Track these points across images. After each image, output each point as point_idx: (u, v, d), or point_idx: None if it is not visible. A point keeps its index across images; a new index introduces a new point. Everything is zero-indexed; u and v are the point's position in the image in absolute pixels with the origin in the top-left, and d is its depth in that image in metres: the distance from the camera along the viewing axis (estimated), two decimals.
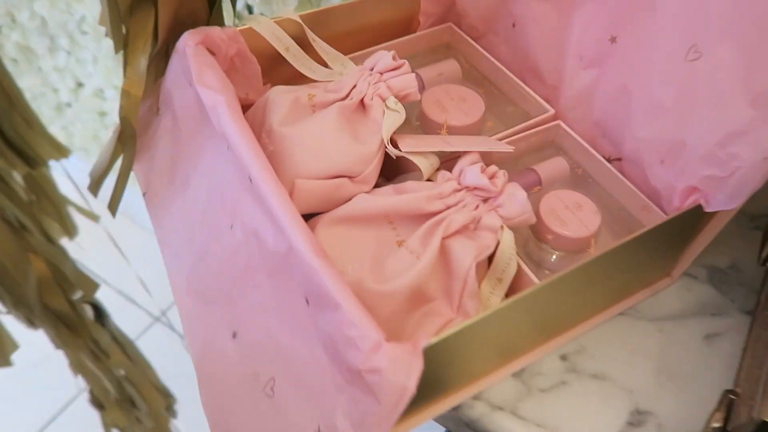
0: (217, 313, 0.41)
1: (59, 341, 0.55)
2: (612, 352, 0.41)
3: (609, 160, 0.46)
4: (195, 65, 0.42)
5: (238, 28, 0.48)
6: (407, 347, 0.29)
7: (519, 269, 0.38)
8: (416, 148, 0.41)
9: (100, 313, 0.59)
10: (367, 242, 0.40)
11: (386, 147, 0.42)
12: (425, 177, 0.41)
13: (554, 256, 0.42)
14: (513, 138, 0.47)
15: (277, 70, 0.52)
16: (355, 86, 0.44)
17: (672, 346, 0.41)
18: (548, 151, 0.49)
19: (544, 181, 0.45)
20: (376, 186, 0.43)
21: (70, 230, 0.59)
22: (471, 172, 0.39)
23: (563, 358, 0.40)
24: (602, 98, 0.46)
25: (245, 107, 0.48)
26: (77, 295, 0.52)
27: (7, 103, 0.52)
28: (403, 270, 0.37)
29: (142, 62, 0.44)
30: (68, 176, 0.70)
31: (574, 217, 0.42)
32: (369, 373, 0.29)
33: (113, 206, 0.52)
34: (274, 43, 0.48)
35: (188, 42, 0.44)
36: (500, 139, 0.47)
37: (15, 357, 0.52)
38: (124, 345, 0.63)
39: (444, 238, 0.38)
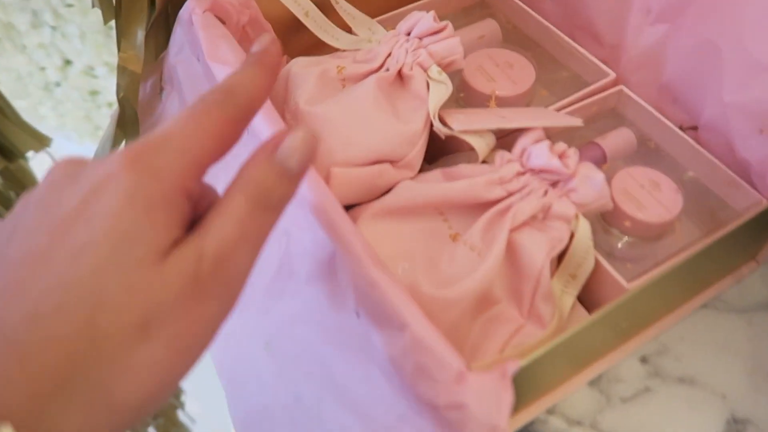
0: (249, 323, 0.36)
1: None
2: (698, 350, 0.36)
3: (682, 129, 0.40)
4: (205, 37, 0.36)
5: None
6: (495, 376, 0.24)
7: (597, 263, 0.33)
8: (470, 126, 0.35)
9: None
10: (417, 237, 0.35)
11: (434, 125, 0.36)
12: (481, 158, 0.35)
13: (622, 242, 0.37)
14: (570, 108, 0.41)
15: (294, 38, 0.46)
16: (390, 54, 0.38)
17: (764, 340, 0.36)
18: (608, 121, 0.43)
19: (609, 158, 0.39)
20: (421, 171, 0.38)
21: (44, 140, 0.54)
22: (538, 151, 0.33)
23: (644, 360, 0.35)
24: (675, 57, 0.40)
25: None
26: None
27: None
28: (464, 270, 0.32)
29: (139, 33, 0.38)
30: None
31: (651, 198, 0.36)
32: (450, 409, 0.24)
33: None
34: (292, 7, 0.41)
35: (195, 9, 0.38)
36: (557, 111, 0.41)
37: None
38: None
39: (510, 231, 0.32)
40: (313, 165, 0.34)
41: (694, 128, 0.40)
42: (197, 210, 0.20)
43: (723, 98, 0.36)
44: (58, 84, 1.31)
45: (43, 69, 1.28)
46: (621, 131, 0.40)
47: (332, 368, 0.31)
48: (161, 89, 0.43)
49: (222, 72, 0.35)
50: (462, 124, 0.35)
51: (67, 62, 1.23)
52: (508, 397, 0.24)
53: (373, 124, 0.35)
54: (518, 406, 0.32)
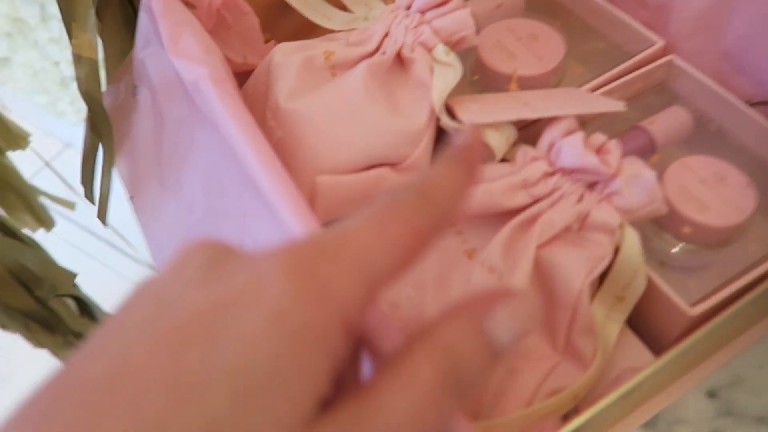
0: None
1: (35, 341, 0.47)
2: None
3: (751, 105, 0.33)
4: (166, 27, 0.31)
5: None
6: None
7: (650, 283, 0.27)
8: (485, 118, 0.28)
9: (84, 304, 0.51)
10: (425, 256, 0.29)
11: (440, 119, 0.29)
12: (498, 157, 0.29)
13: (679, 249, 0.30)
14: (609, 87, 0.34)
15: (281, 21, 0.40)
16: (387, 34, 0.32)
17: None
18: (656, 99, 0.36)
19: (660, 146, 0.32)
20: None
21: (46, 222, 0.50)
22: (569, 146, 0.27)
23: (711, 395, 0.29)
24: (739, 17, 0.32)
25: (244, 75, 0.37)
26: (47, 289, 0.44)
27: None
28: None
29: (90, 15, 0.33)
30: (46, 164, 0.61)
31: (716, 195, 0.29)
32: None
33: (101, 213, 0.42)
34: None
35: None
36: (592, 90, 0.34)
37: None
38: None
39: (538, 248, 0.26)
40: (295, 175, 0.29)
41: (766, 103, 0.32)
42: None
43: None
44: (73, 78, 1.29)
45: (56, 63, 1.26)
46: (673, 111, 0.33)
47: None
48: (134, 87, 0.38)
49: (185, 67, 0.29)
50: (474, 115, 0.29)
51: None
52: None
53: (366, 120, 0.29)
54: None
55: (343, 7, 0.37)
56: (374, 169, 0.30)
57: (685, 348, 0.23)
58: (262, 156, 0.26)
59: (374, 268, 0.13)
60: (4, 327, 0.44)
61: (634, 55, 0.35)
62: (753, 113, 0.32)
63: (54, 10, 1.09)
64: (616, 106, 0.29)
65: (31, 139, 0.51)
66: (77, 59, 0.34)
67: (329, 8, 0.37)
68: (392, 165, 0.30)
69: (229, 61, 0.37)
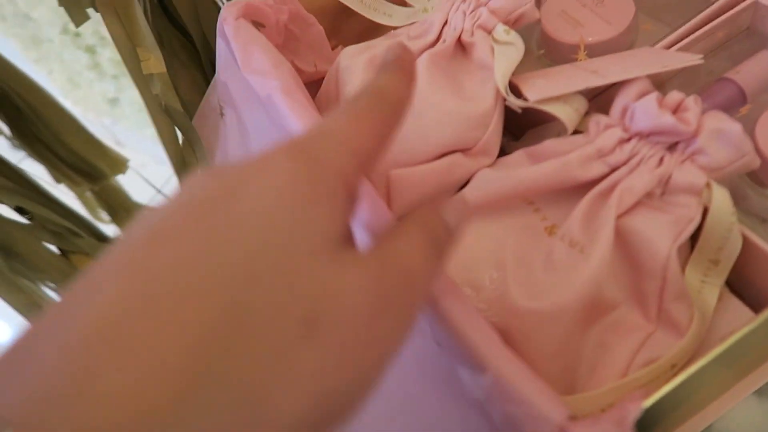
0: None
1: None
2: None
3: None
4: (238, 48, 0.33)
5: None
6: (608, 425, 0.18)
7: (746, 242, 0.25)
8: (551, 92, 0.28)
9: None
10: (505, 236, 0.29)
11: (505, 98, 0.29)
12: (570, 129, 0.29)
13: None
14: (689, 39, 0.32)
15: (345, 25, 0.42)
16: (446, 22, 0.32)
17: None
18: (743, 46, 0.33)
19: (750, 95, 0.30)
20: (501, 153, 0.32)
21: None
22: (643, 108, 0.26)
23: None
24: None
25: (318, 83, 0.38)
26: None
27: (63, 126, 0.47)
28: (564, 273, 0.26)
29: (146, 34, 0.36)
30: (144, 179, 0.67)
31: None
32: None
33: None
34: None
35: (226, 19, 0.34)
36: (669, 47, 0.32)
37: None
38: None
39: (619, 217, 0.25)
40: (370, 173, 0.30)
41: None
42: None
43: None
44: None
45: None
46: (761, 56, 0.31)
47: (424, 407, 0.26)
48: (221, 108, 0.41)
49: (258, 82, 0.31)
50: (540, 91, 0.28)
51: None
52: None
53: (433, 108, 0.30)
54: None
55: (403, 3, 0.38)
56: (446, 157, 0.30)
57: None
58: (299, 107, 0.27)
59: (358, 145, 0.17)
60: None
61: (713, 2, 0.33)
62: None
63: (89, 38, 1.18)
64: (693, 59, 0.27)
65: (143, 166, 0.57)
66: (150, 79, 0.37)
67: (388, 6, 0.38)
68: (463, 150, 0.31)
69: (300, 71, 0.39)
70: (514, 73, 0.30)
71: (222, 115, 0.41)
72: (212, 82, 0.40)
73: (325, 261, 0.14)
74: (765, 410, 0.26)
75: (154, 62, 0.36)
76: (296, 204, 0.15)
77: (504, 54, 0.30)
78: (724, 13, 0.32)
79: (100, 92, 1.39)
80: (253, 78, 0.32)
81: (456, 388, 0.24)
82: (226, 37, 0.34)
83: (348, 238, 0.16)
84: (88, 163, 0.50)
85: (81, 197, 0.52)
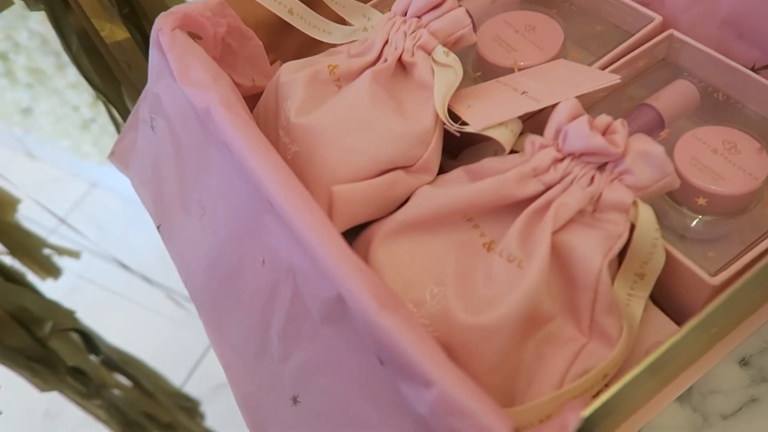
0: (267, 369, 0.31)
1: (39, 382, 0.50)
2: None
3: (754, 70, 0.33)
4: (174, 59, 0.32)
5: None
6: None
7: (669, 256, 0.27)
8: (493, 120, 0.29)
9: (89, 338, 0.54)
10: (445, 253, 0.29)
11: (444, 122, 0.30)
12: (507, 150, 0.30)
13: (697, 221, 0.30)
14: (612, 67, 0.34)
15: (285, 41, 0.41)
16: (387, 42, 0.33)
17: None
18: (661, 75, 0.36)
19: (667, 120, 0.32)
20: (439, 171, 0.32)
21: (52, 271, 0.54)
22: (575, 130, 0.27)
23: (744, 363, 0.29)
24: None
25: (254, 98, 0.38)
26: (48, 329, 0.47)
27: None
28: (503, 288, 0.26)
29: (104, 4, 0.34)
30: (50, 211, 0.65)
31: (729, 164, 0.29)
32: None
33: None
34: (272, 6, 0.37)
35: (162, 29, 0.33)
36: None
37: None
38: (125, 364, 0.58)
39: (554, 233, 0.26)
40: (311, 186, 0.30)
41: None
42: None
43: None
44: (93, 120, 1.32)
45: (76, 108, 1.30)
46: (677, 85, 0.33)
47: (367, 426, 0.26)
48: (152, 119, 0.40)
49: (196, 95, 0.31)
50: (479, 118, 0.29)
51: (97, 97, 1.24)
52: None
53: (375, 126, 0.30)
54: None
55: (342, 21, 0.38)
56: (388, 173, 0.31)
57: (707, 315, 0.23)
58: (276, 173, 0.27)
59: None
60: (9, 366, 0.47)
61: (633, 34, 0.35)
62: (758, 78, 0.32)
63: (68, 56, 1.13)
64: (611, 78, 0.29)
65: (57, 180, 0.54)
66: (115, 48, 0.35)
67: (328, 23, 0.38)
68: (405, 167, 0.31)
69: (238, 85, 0.38)
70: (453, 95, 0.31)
71: (153, 127, 0.39)
72: (143, 93, 0.39)
73: None
74: (686, 416, 0.28)
75: (117, 30, 0.34)
76: None
77: (443, 77, 0.30)
78: (643, 44, 0.35)
79: (12, 101, 1.31)
80: (191, 90, 0.31)
81: (399, 406, 0.24)
82: (161, 47, 0.33)
83: None
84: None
85: None
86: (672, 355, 0.24)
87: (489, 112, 0.30)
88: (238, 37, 0.37)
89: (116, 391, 0.63)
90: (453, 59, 0.31)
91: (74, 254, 0.64)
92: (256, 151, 0.28)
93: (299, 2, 0.38)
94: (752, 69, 0.33)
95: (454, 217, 0.30)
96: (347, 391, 0.27)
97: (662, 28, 0.35)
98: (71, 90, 1.24)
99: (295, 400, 0.30)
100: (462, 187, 0.29)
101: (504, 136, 0.29)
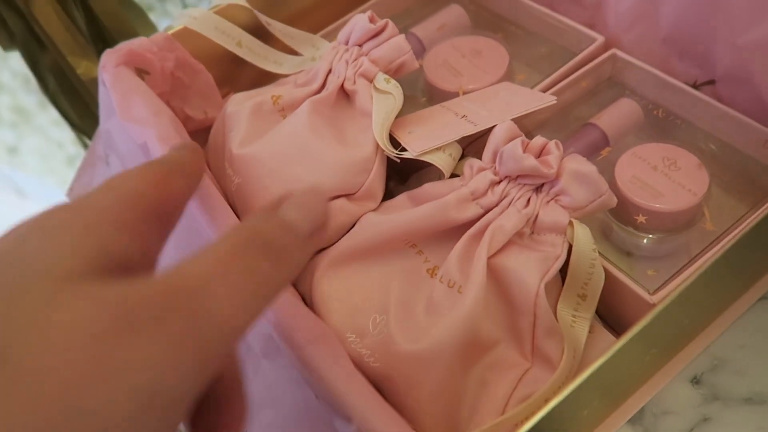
0: None
1: None
2: (764, 358, 0.29)
3: (695, 87, 0.33)
4: (116, 96, 0.32)
5: (171, 32, 0.37)
6: None
7: (608, 275, 0.27)
8: (429, 145, 0.29)
9: None
10: (389, 280, 0.29)
11: (383, 149, 0.30)
12: (447, 175, 0.30)
13: (641, 239, 0.30)
14: (558, 87, 0.34)
15: (238, 73, 0.42)
16: (330, 71, 0.33)
17: None
18: (606, 94, 0.36)
19: (611, 138, 0.33)
20: (390, 196, 0.32)
21: None
22: (509, 152, 0.27)
23: (695, 382, 0.28)
24: (672, 3, 0.33)
25: (208, 130, 0.38)
26: None
27: None
28: (442, 314, 0.26)
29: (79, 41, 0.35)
30: None
31: (669, 180, 0.29)
32: None
33: None
34: (220, 40, 0.37)
35: (105, 66, 0.34)
36: (540, 91, 0.34)
37: None
38: None
39: (490, 258, 0.26)
40: None
41: (711, 83, 0.32)
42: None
43: (735, 41, 0.29)
44: (78, 156, 1.33)
45: (61, 145, 1.31)
46: (620, 103, 0.34)
47: None
48: (107, 157, 0.40)
49: (135, 131, 0.31)
50: (419, 142, 0.29)
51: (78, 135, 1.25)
52: None
53: (315, 156, 0.30)
54: None
55: (293, 52, 0.38)
56: (331, 202, 0.30)
57: (639, 330, 0.23)
58: (207, 212, 0.26)
59: (126, 189, 0.17)
60: None
61: (577, 54, 0.35)
62: (698, 94, 0.32)
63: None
64: (549, 99, 0.29)
65: None
66: (92, 83, 0.36)
67: (279, 54, 0.38)
68: (347, 195, 0.31)
69: (190, 118, 0.39)
70: (396, 119, 0.31)
71: (108, 163, 0.39)
72: (97, 130, 0.39)
73: (41, 295, 0.13)
74: None
75: (91, 67, 0.35)
76: (33, 236, 0.14)
77: (382, 104, 0.31)
78: (587, 63, 0.35)
79: None
80: (131, 126, 0.31)
81: None
82: (106, 85, 0.34)
83: (103, 269, 0.14)
84: None
85: None
86: (612, 373, 0.24)
87: (428, 137, 0.29)
88: (188, 71, 0.37)
89: None
90: (393, 86, 0.31)
91: None
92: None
93: (248, 35, 0.38)
94: (693, 86, 0.33)
95: (398, 243, 0.29)
96: (288, 425, 0.26)
97: (605, 47, 0.36)
98: (54, 127, 1.25)
99: None
100: (403, 213, 0.29)
101: (442, 161, 0.29)
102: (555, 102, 0.29)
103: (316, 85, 0.33)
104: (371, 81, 0.32)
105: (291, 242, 0.17)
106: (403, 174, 0.35)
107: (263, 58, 0.38)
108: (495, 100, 0.32)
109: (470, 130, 0.29)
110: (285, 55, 0.38)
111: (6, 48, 0.75)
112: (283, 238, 0.16)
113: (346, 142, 0.31)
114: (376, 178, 0.31)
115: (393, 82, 0.32)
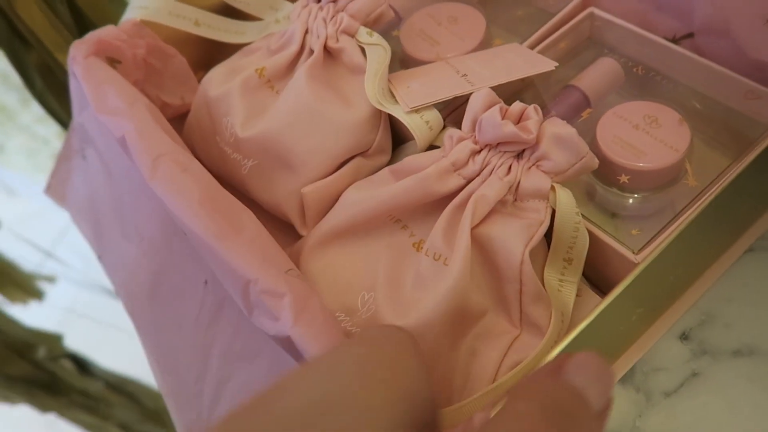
0: (208, 395, 0.31)
1: (40, 406, 0.50)
2: (752, 310, 0.29)
3: (675, 41, 0.33)
4: (89, 88, 0.32)
5: (140, 17, 0.36)
6: None
7: (593, 237, 0.27)
8: (425, 100, 0.29)
9: (81, 362, 0.54)
10: (376, 257, 0.29)
11: (382, 105, 0.30)
12: (420, 143, 0.29)
13: (624, 199, 0.30)
14: (537, 49, 0.34)
15: (214, 53, 0.41)
16: (307, 31, 0.32)
17: None
18: (587, 54, 0.35)
19: (592, 99, 0.32)
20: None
21: (35, 293, 0.55)
22: (488, 120, 0.27)
23: (684, 337, 0.29)
24: None
25: (185, 115, 0.38)
26: (42, 353, 0.47)
27: None
28: (430, 287, 0.26)
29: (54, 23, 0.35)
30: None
31: (650, 138, 0.29)
32: None
33: None
34: (176, 23, 0.36)
35: (75, 57, 0.33)
36: None
37: None
38: (124, 385, 0.58)
39: (474, 228, 0.26)
40: (279, 195, 0.30)
41: (690, 36, 0.32)
42: None
43: None
44: None
45: (47, 141, 1.30)
46: (600, 63, 0.33)
47: None
48: (82, 149, 0.39)
49: (112, 124, 0.30)
50: (415, 97, 0.29)
51: (65, 127, 1.23)
52: None
53: (325, 123, 0.30)
54: None
55: (251, 18, 0.37)
56: (349, 162, 0.31)
57: (627, 286, 0.23)
58: (189, 204, 0.26)
59: None
60: (9, 399, 0.46)
61: (554, 15, 0.35)
62: (678, 49, 0.31)
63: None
64: (549, 64, 0.29)
65: (37, 215, 0.55)
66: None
67: (239, 24, 0.37)
68: (362, 153, 0.31)
69: (167, 105, 0.38)
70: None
71: (84, 157, 0.39)
72: (71, 124, 0.38)
73: None
74: (629, 396, 0.28)
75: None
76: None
77: (374, 56, 0.30)
78: (565, 23, 0.35)
79: None
80: (107, 119, 0.30)
81: None
82: (77, 77, 0.33)
83: None
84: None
85: None
86: (596, 334, 0.24)
87: (424, 93, 0.29)
88: (160, 56, 0.37)
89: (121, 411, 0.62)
90: (378, 38, 0.31)
91: (50, 279, 0.64)
92: (173, 180, 0.27)
93: (203, 11, 0.37)
94: (672, 40, 0.32)
95: (382, 219, 0.29)
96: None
97: (583, 6, 0.35)
98: (39, 124, 1.24)
99: None
100: (385, 188, 0.29)
101: (417, 127, 0.28)
102: (556, 66, 0.29)
103: (294, 47, 0.32)
104: (353, 36, 0.31)
105: (584, 416, 0.15)
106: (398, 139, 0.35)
107: (224, 31, 0.37)
108: (498, 60, 0.31)
109: (467, 89, 0.29)
110: (245, 23, 0.38)
111: None
112: (576, 411, 0.15)
113: (349, 103, 0.31)
114: (384, 133, 0.32)
115: (375, 34, 0.31)
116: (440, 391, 0.26)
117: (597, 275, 0.29)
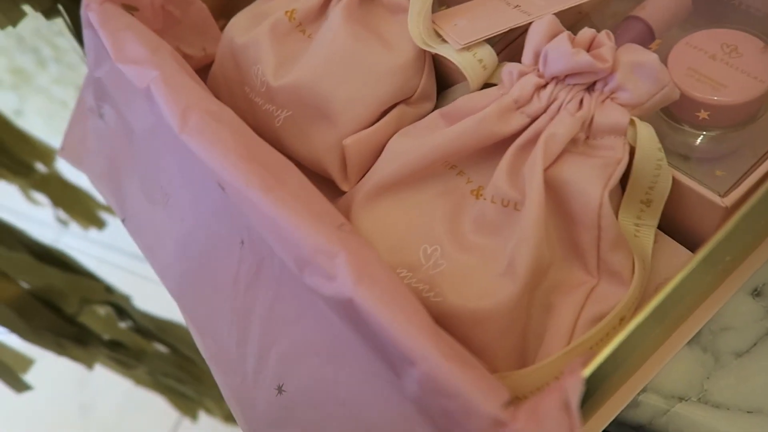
0: (251, 359, 0.29)
1: (68, 356, 0.49)
2: None
3: None
4: (107, 35, 0.29)
5: None
6: (550, 409, 0.16)
7: (673, 181, 0.24)
8: (474, 36, 0.26)
9: (122, 309, 0.53)
10: (432, 207, 0.27)
11: (428, 45, 0.27)
12: (474, 85, 0.27)
13: (700, 138, 0.27)
14: None
15: (235, 1, 0.38)
16: None
17: None
18: None
19: (657, 31, 0.29)
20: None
21: (98, 222, 0.54)
22: (556, 50, 0.24)
23: (757, 293, 0.26)
24: None
25: (209, 68, 0.35)
26: (76, 305, 0.45)
27: None
28: (504, 236, 0.24)
29: None
30: None
31: (730, 68, 0.26)
32: None
33: None
34: None
35: (89, 5, 0.30)
36: None
37: None
38: (161, 331, 0.57)
39: (546, 169, 0.24)
40: (318, 148, 0.28)
41: None
42: None
43: None
44: None
45: (64, 103, 1.27)
46: None
47: (361, 408, 0.24)
48: (98, 107, 0.36)
49: (135, 74, 0.27)
50: (463, 34, 0.26)
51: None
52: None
53: (365, 68, 0.28)
54: (598, 398, 0.24)
55: None
56: (392, 111, 0.29)
57: (719, 241, 0.20)
58: (229, 153, 0.24)
59: None
60: (37, 343, 0.45)
61: None
62: None
63: (48, 52, 1.09)
64: None
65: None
66: None
67: None
68: (404, 100, 0.29)
69: (188, 57, 0.35)
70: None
71: (101, 115, 0.36)
72: (84, 80, 0.36)
73: None
74: (695, 357, 0.25)
75: None
76: None
77: None
78: None
79: (2, 105, 1.29)
80: (128, 68, 0.28)
81: (393, 385, 0.22)
82: (92, 25, 0.30)
83: None
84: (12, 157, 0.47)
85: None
86: (683, 291, 0.21)
87: (473, 29, 0.26)
88: (179, 3, 0.34)
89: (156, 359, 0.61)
90: None
91: (111, 210, 0.64)
92: (206, 131, 0.25)
93: None
94: None
95: (436, 167, 0.27)
96: (346, 370, 0.24)
97: None
98: (56, 86, 1.21)
99: (280, 390, 0.27)
100: (438, 133, 0.26)
101: (469, 65, 0.26)
102: None
103: None
104: None
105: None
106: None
107: None
108: None
109: (524, 19, 0.26)
110: None
111: (48, 17, 0.72)
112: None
113: (390, 46, 0.28)
114: (428, 78, 0.29)
115: None
116: (517, 353, 0.23)
117: (671, 225, 0.26)
